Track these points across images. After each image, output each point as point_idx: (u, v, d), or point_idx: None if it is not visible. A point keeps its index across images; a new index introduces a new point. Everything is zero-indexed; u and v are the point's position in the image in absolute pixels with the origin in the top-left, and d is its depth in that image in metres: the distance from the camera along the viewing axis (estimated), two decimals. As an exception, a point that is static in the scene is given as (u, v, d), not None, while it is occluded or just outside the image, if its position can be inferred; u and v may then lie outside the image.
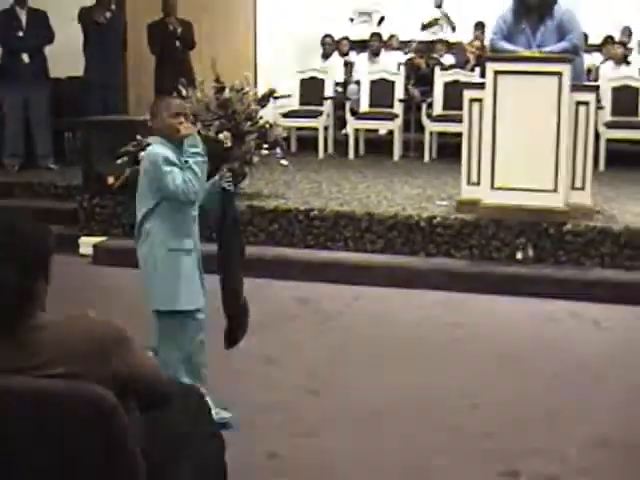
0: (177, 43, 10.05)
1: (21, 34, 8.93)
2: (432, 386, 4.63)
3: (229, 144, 7.02)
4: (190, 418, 2.88)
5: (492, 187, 6.60)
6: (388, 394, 4.52)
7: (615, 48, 10.74)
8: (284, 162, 7.46)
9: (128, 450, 2.31)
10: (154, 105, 4.18)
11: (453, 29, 12.39)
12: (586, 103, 6.55)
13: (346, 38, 12.15)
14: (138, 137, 7.28)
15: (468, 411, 4.34)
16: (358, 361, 5.03)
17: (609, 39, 11.22)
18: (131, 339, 2.49)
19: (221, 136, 7.02)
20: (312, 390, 4.47)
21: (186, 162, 3.96)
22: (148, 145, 4.11)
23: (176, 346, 4.08)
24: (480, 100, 6.63)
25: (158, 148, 4.00)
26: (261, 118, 7.41)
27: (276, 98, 10.20)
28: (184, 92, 7.37)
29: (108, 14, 9.34)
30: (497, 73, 6.49)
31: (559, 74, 6.34)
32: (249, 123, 7.11)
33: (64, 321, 2.41)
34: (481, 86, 6.63)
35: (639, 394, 4.53)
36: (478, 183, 6.71)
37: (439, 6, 12.64)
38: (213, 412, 4.08)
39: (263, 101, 7.58)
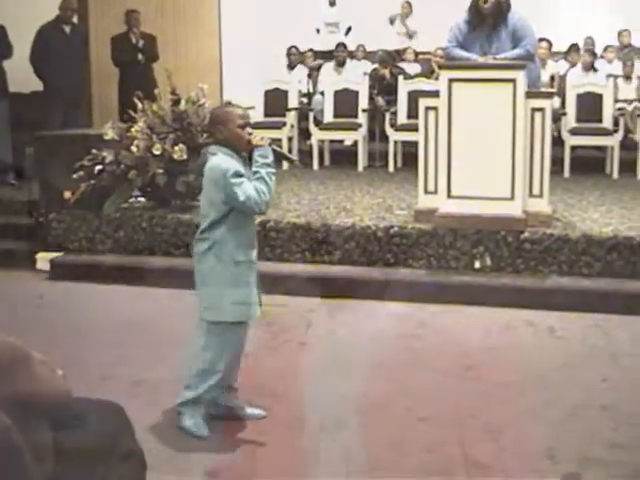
0: (140, 56, 10.04)
1: (-22, 49, 8.86)
2: (381, 399, 4.56)
3: (184, 157, 6.98)
4: (108, 436, 2.81)
5: (449, 196, 6.55)
6: (335, 407, 4.44)
7: (581, 55, 10.76)
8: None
9: (24, 472, 2.24)
10: (218, 115, 4.07)
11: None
12: (542, 109, 6.51)
13: (311, 50, 12.11)
14: (93, 151, 7.23)
15: (413, 424, 4.27)
16: (309, 374, 4.95)
17: (574, 47, 11.21)
18: (31, 357, 2.41)
19: (176, 149, 6.98)
20: (261, 404, 4.39)
21: (255, 172, 3.92)
22: (212, 154, 4.00)
23: (229, 352, 4.09)
24: (435, 108, 6.57)
25: (226, 161, 3.92)
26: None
27: (239, 110, 10.20)
28: (140, 105, 7.33)
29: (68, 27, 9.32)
30: (452, 81, 6.44)
31: (513, 81, 6.30)
32: (205, 135, 7.03)
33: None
34: (436, 94, 6.56)
35: (588, 405, 4.46)
36: (435, 192, 6.66)
37: (392, 23, 12.74)
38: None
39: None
